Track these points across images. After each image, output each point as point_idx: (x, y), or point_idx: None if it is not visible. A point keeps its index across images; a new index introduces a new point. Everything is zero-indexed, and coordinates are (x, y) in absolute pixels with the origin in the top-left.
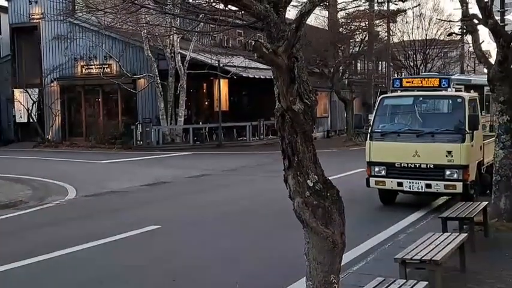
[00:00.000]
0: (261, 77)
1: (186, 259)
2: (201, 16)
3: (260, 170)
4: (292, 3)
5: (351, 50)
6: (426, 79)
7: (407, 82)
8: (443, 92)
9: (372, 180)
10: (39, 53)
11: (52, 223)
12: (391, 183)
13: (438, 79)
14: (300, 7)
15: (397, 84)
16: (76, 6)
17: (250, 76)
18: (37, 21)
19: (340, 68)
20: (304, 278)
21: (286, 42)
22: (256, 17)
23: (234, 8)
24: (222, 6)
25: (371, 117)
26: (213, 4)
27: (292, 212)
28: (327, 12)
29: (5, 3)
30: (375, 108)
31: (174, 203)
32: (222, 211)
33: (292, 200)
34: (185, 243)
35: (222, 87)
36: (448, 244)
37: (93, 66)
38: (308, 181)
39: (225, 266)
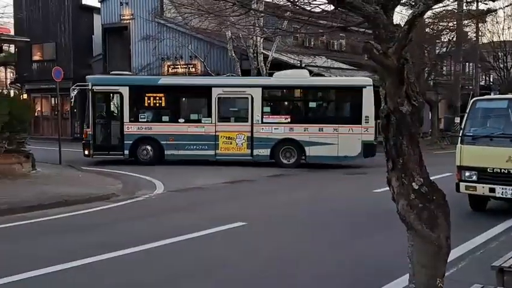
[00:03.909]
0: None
1: (273, 256)
2: (287, 14)
3: (342, 171)
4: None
5: (437, 51)
6: None
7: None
8: None
9: (462, 185)
10: (129, 52)
11: (143, 216)
12: (482, 189)
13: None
14: (412, 9)
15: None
16: (164, 7)
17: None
18: (127, 21)
19: (426, 69)
20: (397, 280)
21: (396, 43)
22: (366, 18)
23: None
24: (331, 7)
25: (457, 120)
26: (316, 7)
27: (378, 213)
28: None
29: (98, 5)
30: (467, 111)
31: (258, 201)
32: (307, 210)
33: (395, 202)
34: (272, 241)
35: None
36: None
37: (179, 66)
38: (413, 183)
39: (304, 266)
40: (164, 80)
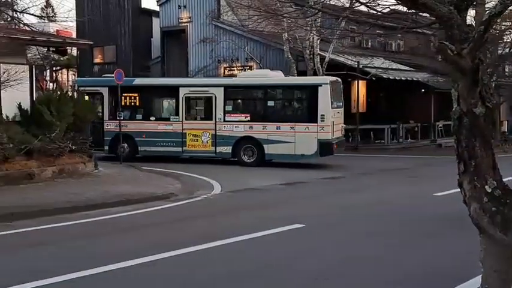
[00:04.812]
0: (402, 78)
1: (332, 259)
2: (342, 17)
3: (400, 175)
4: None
5: (499, 52)
6: None
7: None
8: None
9: None
10: (186, 54)
11: (202, 216)
12: None
13: None
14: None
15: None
16: (221, 10)
17: (390, 78)
18: (185, 24)
19: (488, 70)
20: (468, 281)
21: (471, 44)
22: (439, 19)
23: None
24: (405, 8)
25: None
26: (386, 7)
27: (440, 216)
28: (474, 11)
29: (157, 8)
30: None
31: (315, 203)
32: (363, 213)
33: (467, 205)
34: (331, 243)
35: (360, 88)
36: None
37: (235, 68)
38: (486, 187)
39: (370, 268)
40: (138, 81)
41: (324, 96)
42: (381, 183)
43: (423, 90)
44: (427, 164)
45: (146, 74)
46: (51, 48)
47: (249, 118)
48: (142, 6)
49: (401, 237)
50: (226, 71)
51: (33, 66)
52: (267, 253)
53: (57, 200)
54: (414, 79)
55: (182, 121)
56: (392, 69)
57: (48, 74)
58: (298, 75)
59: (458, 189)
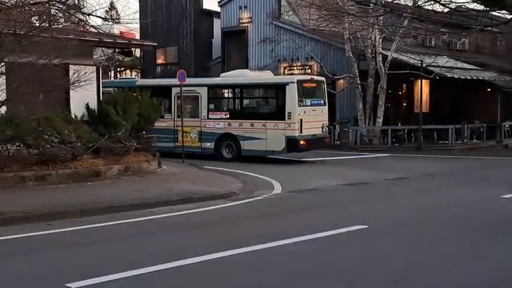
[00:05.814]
0: (467, 77)
1: (400, 262)
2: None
3: (465, 176)
4: None
5: None
6: None
7: None
8: None
9: None
10: (246, 54)
11: (262, 215)
12: None
13: None
14: None
15: None
16: (282, 9)
17: (455, 77)
18: (246, 25)
19: None
20: None
21: None
22: None
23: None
24: (481, 7)
25: None
26: (461, 6)
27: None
28: None
29: (218, 9)
30: None
31: (377, 204)
32: (428, 216)
33: None
34: (396, 245)
35: (424, 88)
36: None
37: (295, 68)
38: None
39: (439, 272)
40: (140, 82)
41: (291, 95)
42: (446, 184)
43: (489, 90)
44: (493, 165)
45: (207, 74)
46: (116, 50)
47: (228, 116)
48: (204, 7)
49: (467, 241)
50: (286, 71)
51: (100, 67)
52: (327, 255)
53: (123, 198)
54: (480, 78)
55: (174, 119)
56: (456, 68)
57: (112, 74)
58: (360, 75)
59: None
